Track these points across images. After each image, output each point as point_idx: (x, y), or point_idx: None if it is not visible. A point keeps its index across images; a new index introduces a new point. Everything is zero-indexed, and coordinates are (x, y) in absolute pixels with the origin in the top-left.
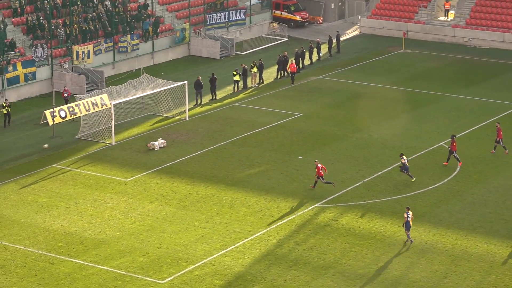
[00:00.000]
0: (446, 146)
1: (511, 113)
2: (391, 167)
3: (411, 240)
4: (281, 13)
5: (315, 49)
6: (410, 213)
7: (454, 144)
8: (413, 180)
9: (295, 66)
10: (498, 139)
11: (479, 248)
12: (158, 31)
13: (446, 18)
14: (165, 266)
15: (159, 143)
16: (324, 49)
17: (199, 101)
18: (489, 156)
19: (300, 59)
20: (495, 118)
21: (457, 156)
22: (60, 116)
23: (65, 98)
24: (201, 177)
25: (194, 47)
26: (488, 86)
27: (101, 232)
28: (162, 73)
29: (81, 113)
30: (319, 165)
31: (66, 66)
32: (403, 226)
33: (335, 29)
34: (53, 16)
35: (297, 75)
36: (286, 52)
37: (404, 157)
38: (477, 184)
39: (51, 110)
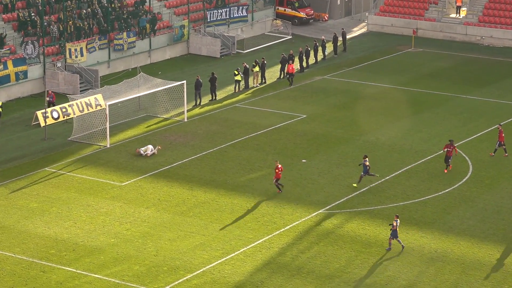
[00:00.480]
0: (457, 149)
1: None
2: (399, 171)
3: (389, 248)
4: (284, 10)
5: (320, 48)
6: (398, 221)
7: (456, 150)
8: (355, 185)
9: (293, 67)
10: (499, 141)
11: (492, 257)
12: (156, 28)
13: (458, 15)
14: (161, 274)
15: (143, 150)
16: (330, 47)
17: (198, 102)
18: (502, 160)
19: (304, 57)
20: (509, 120)
21: (447, 162)
22: (52, 117)
23: (48, 102)
24: (200, 182)
25: (193, 45)
26: (502, 86)
27: (95, 238)
28: (160, 72)
29: (74, 114)
30: (280, 166)
31: (59, 64)
32: (391, 229)
33: (341, 27)
34: (45, 12)
35: (301, 75)
36: (292, 51)
37: (367, 159)
38: (490, 190)
39: (43, 110)
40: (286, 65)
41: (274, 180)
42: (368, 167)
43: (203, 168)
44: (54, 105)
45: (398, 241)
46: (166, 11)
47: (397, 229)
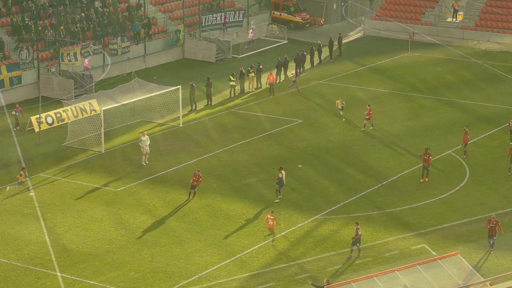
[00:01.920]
0: (454, 154)
1: None
2: (396, 176)
3: (358, 255)
4: (280, 14)
5: (316, 52)
6: (360, 227)
7: (430, 157)
8: (276, 201)
9: (274, 77)
10: (463, 143)
11: (490, 262)
12: (151, 32)
13: (455, 19)
14: (157, 281)
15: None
16: (326, 52)
17: (194, 107)
18: (500, 165)
19: (301, 63)
20: (506, 125)
21: (426, 171)
22: (46, 123)
23: (15, 117)
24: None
25: (188, 49)
26: (499, 91)
27: (90, 245)
28: (155, 77)
29: (68, 120)
30: (200, 175)
31: (53, 69)
32: (353, 239)
33: (337, 31)
34: (40, 17)
35: (297, 80)
36: (286, 55)
37: (283, 171)
38: (487, 195)
39: (37, 116)
40: (287, 68)
41: (196, 189)
42: (278, 180)
43: None
44: (17, 123)
45: (359, 248)
46: (161, 15)
47: (360, 236)
